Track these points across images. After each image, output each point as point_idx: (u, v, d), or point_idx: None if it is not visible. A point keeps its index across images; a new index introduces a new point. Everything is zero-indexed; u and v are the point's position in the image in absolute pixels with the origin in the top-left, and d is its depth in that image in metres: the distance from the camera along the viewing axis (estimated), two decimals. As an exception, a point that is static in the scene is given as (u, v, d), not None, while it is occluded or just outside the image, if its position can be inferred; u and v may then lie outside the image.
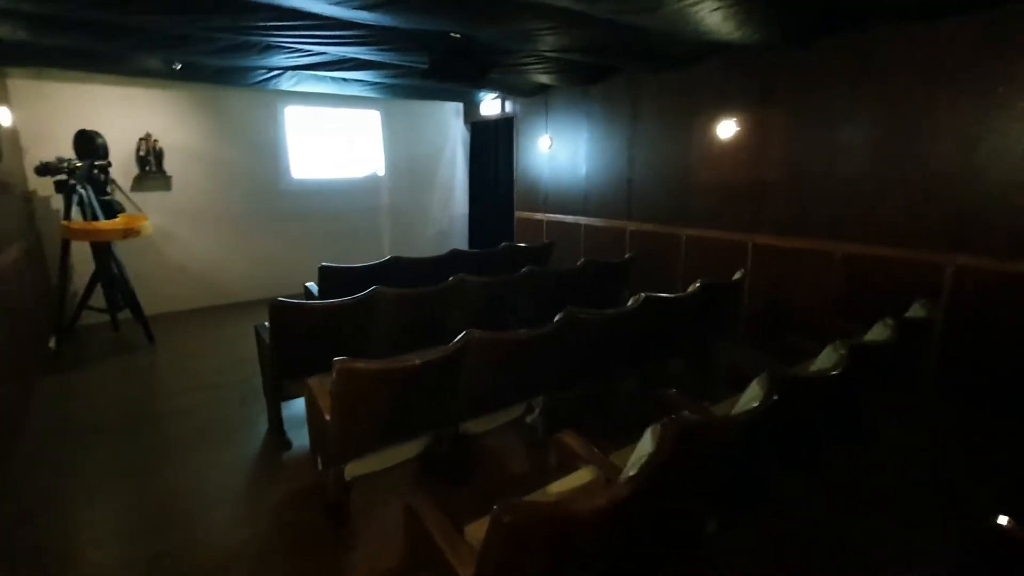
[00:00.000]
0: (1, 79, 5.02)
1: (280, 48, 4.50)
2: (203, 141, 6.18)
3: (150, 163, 5.83)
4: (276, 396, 3.19)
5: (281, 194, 6.79)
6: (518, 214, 7.42)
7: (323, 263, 4.06)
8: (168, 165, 5.95)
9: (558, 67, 5.16)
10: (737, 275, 3.70)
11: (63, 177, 4.65)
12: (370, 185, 7.53)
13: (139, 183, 5.86)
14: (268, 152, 6.64)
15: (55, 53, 4.63)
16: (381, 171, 7.56)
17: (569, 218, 6.51)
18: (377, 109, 7.36)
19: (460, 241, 8.54)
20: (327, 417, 2.29)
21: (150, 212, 5.77)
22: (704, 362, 3.79)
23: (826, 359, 2.30)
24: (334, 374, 2.05)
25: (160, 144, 5.87)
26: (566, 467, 2.04)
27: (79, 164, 4.72)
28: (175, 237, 6.16)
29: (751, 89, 4.44)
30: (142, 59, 4.97)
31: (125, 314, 5.21)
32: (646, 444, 1.52)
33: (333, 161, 7.15)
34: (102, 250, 4.90)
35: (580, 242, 6.36)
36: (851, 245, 3.96)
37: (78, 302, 5.00)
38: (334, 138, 7.10)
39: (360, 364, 2.08)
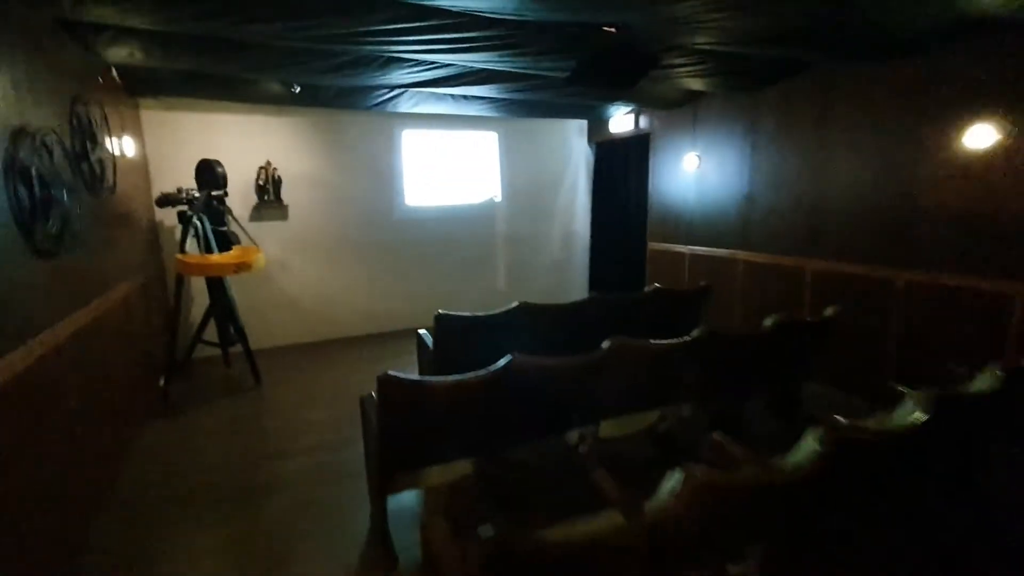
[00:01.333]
0: (135, 109, 5.01)
1: (401, 62, 3.96)
2: (320, 168, 5.92)
3: (268, 192, 5.63)
4: (381, 492, 2.47)
5: (395, 223, 6.38)
6: (652, 246, 6.41)
7: (439, 311, 3.37)
8: (286, 194, 5.72)
9: (721, 67, 4.15)
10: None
11: (183, 208, 4.45)
12: (486, 212, 6.92)
13: (257, 212, 5.68)
14: (384, 178, 6.26)
15: (179, 80, 4.47)
16: (498, 197, 6.93)
17: (722, 252, 5.39)
18: (495, 130, 6.77)
19: (580, 273, 7.67)
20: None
21: (265, 242, 5.53)
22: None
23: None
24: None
25: (279, 172, 5.66)
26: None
27: (197, 195, 4.50)
28: (288, 268, 5.90)
29: None
30: (262, 82, 4.72)
31: (237, 347, 4.93)
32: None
33: (448, 187, 6.64)
34: (216, 284, 4.63)
35: (736, 282, 5.20)
36: None
37: (192, 336, 4.77)
38: (449, 163, 6.59)
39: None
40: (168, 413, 4.20)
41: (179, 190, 4.49)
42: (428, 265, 6.62)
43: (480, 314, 3.44)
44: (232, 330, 4.82)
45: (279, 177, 5.66)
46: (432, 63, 4.02)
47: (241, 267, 4.31)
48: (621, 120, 6.69)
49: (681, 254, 5.94)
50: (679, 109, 5.81)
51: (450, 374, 2.32)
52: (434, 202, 6.57)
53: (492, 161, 6.84)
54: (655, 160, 6.28)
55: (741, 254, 5.17)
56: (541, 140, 7.12)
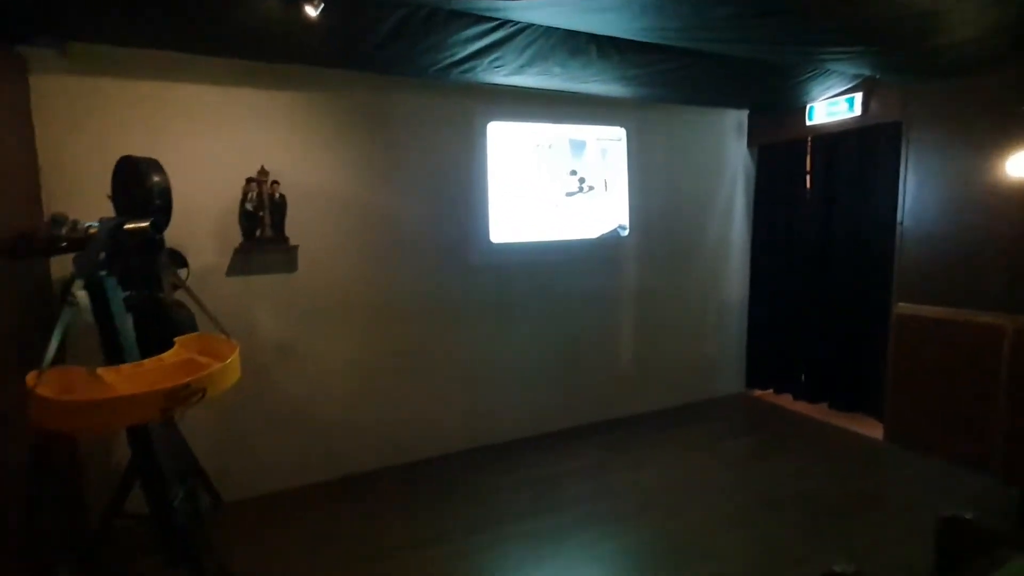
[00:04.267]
0: (18, 72, 2.61)
1: None
2: (352, 183, 3.46)
3: (263, 224, 3.16)
4: None
5: (474, 271, 3.87)
6: (903, 309, 3.83)
7: None
8: (293, 226, 3.25)
9: None
10: None
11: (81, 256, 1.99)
12: (608, 251, 4.39)
13: (243, 261, 3.21)
14: (459, 199, 3.79)
15: (91, 10, 2.07)
16: (624, 226, 4.41)
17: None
18: (622, 123, 4.31)
19: (735, 349, 5.07)
20: None
21: (259, 313, 3.07)
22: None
23: None
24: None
25: (281, 189, 3.20)
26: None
27: (93, 227, 2.04)
28: (295, 354, 3.39)
29: None
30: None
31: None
32: None
33: (552, 213, 4.13)
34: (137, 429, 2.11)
35: None
36: None
37: (101, 516, 2.26)
38: (555, 174, 4.11)
39: None
40: None
41: (56, 218, 2.03)
42: (521, 342, 4.08)
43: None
44: (178, 494, 2.28)
45: (281, 198, 3.20)
46: None
47: (180, 399, 1.80)
48: (823, 108, 4.20)
49: (991, 328, 3.34)
50: (977, 75, 3.31)
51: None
52: (533, 236, 4.06)
53: (618, 172, 4.35)
54: (916, 166, 3.75)
55: None
56: (686, 139, 4.63)
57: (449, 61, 2.89)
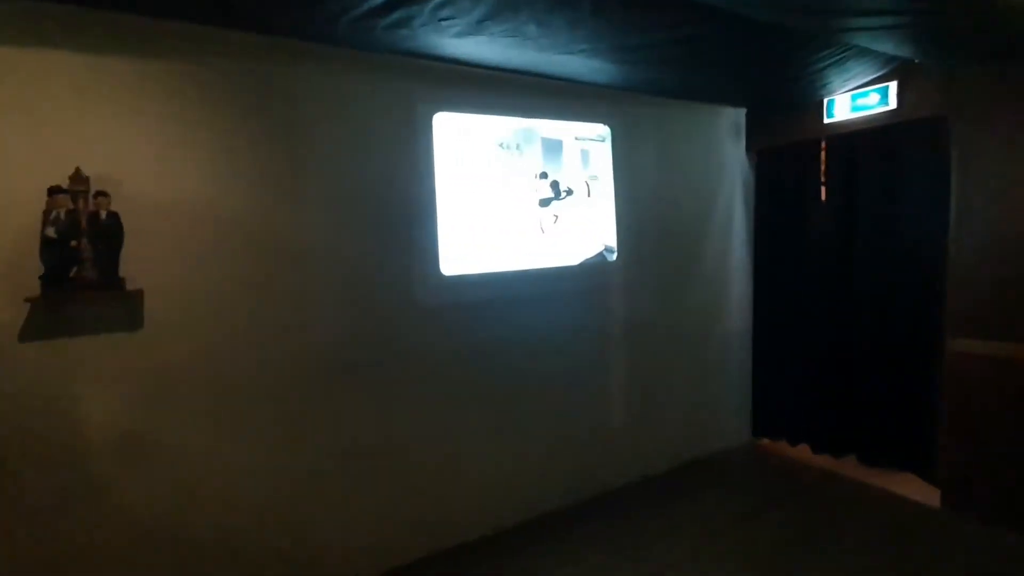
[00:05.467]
0: None
1: None
2: (240, 195, 2.34)
3: (80, 257, 2.00)
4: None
5: (420, 316, 2.79)
6: (960, 345, 3.07)
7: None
8: (137, 260, 2.11)
9: None
10: None
11: None
12: (593, 281, 3.44)
13: (46, 315, 2.02)
14: (396, 219, 2.72)
15: None
16: (611, 248, 3.48)
17: None
18: (606, 120, 3.41)
19: (740, 398, 4.22)
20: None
21: (84, 398, 1.91)
22: None
23: None
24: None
25: (114, 205, 2.06)
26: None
27: None
28: (148, 456, 2.21)
29: None
30: None
31: None
32: None
33: (523, 233, 3.14)
34: None
35: None
36: None
37: None
38: (525, 181, 3.14)
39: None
40: None
41: None
42: (483, 401, 3.04)
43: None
44: None
45: (112, 218, 2.05)
46: None
47: None
48: (846, 102, 3.47)
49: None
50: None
51: None
52: (497, 265, 3.05)
53: (601, 180, 3.43)
54: (967, 169, 3.03)
55: None
56: (678, 142, 3.79)
57: (370, 5, 1.88)
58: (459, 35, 2.12)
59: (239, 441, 2.37)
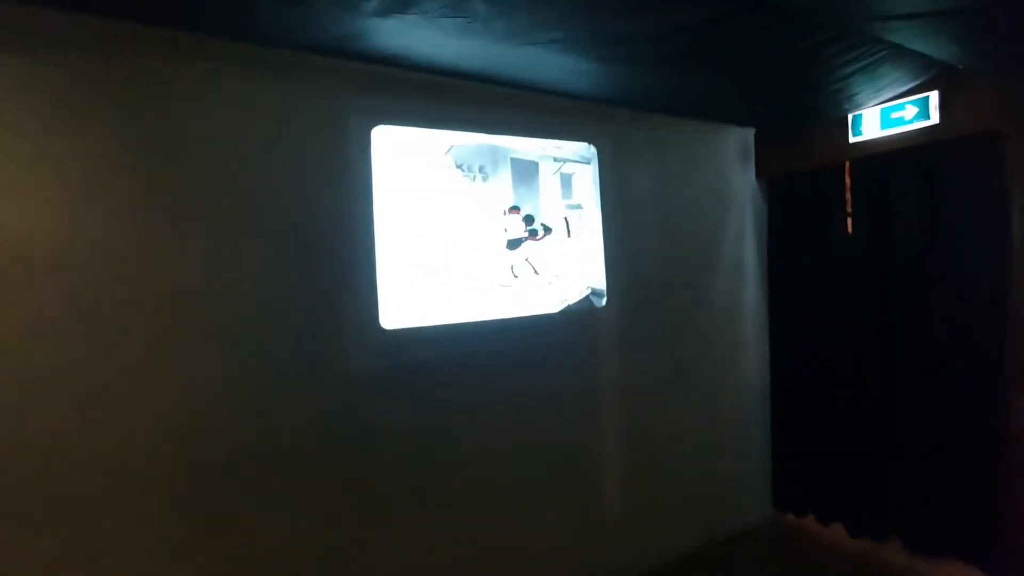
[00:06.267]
0: None
1: None
2: (97, 226, 1.76)
3: None
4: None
5: (347, 385, 2.16)
6: (1037, 409, 2.45)
7: None
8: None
9: None
10: None
11: None
12: (578, 332, 2.81)
13: None
14: (316, 257, 2.13)
15: None
16: (600, 291, 2.88)
17: None
18: (593, 139, 2.86)
19: (758, 466, 3.55)
20: None
21: None
22: None
23: None
24: None
25: None
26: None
27: None
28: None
29: None
30: None
31: None
32: None
33: (487, 277, 2.54)
34: None
35: None
36: None
37: None
38: (490, 213, 2.56)
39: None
40: None
41: None
42: (442, 489, 2.37)
43: None
44: None
45: None
46: None
47: None
48: (875, 116, 2.93)
49: None
50: None
51: None
52: (454, 314, 2.44)
53: (586, 211, 2.86)
54: (1033, 193, 2.47)
55: None
56: (675, 165, 3.23)
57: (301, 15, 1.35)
58: (380, 13, 1.57)
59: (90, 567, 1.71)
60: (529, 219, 2.64)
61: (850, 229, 3.23)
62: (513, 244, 2.60)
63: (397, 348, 2.28)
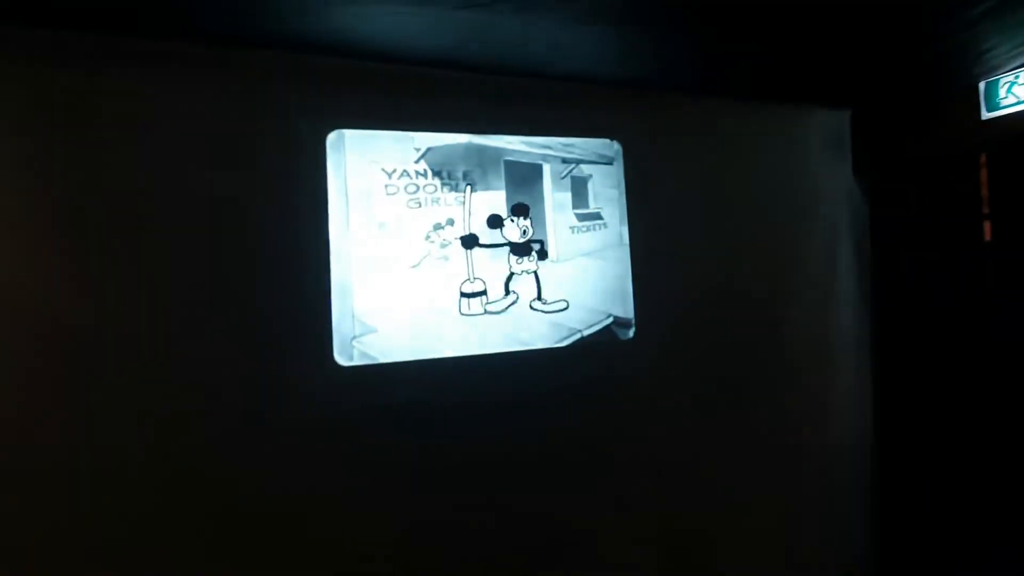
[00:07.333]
0: None
1: None
2: None
3: None
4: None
5: (302, 440, 1.82)
6: None
7: None
8: None
9: None
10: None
11: None
12: (595, 372, 2.26)
13: None
14: (255, 280, 1.85)
15: None
16: (626, 320, 2.31)
17: None
18: (613, 135, 2.33)
19: (855, 551, 2.69)
20: None
21: None
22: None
23: None
24: None
25: None
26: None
27: None
28: None
29: None
30: None
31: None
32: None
33: (471, 301, 2.11)
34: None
35: None
36: None
37: None
38: (477, 229, 2.14)
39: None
40: None
41: None
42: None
43: None
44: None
45: None
46: None
47: None
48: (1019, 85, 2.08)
49: None
50: None
51: None
52: (429, 347, 2.03)
53: (609, 227, 2.32)
54: None
55: None
56: (733, 161, 2.56)
57: None
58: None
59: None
60: (524, 232, 2.18)
61: (988, 235, 2.34)
62: (517, 251, 2.16)
63: (355, 388, 1.93)
